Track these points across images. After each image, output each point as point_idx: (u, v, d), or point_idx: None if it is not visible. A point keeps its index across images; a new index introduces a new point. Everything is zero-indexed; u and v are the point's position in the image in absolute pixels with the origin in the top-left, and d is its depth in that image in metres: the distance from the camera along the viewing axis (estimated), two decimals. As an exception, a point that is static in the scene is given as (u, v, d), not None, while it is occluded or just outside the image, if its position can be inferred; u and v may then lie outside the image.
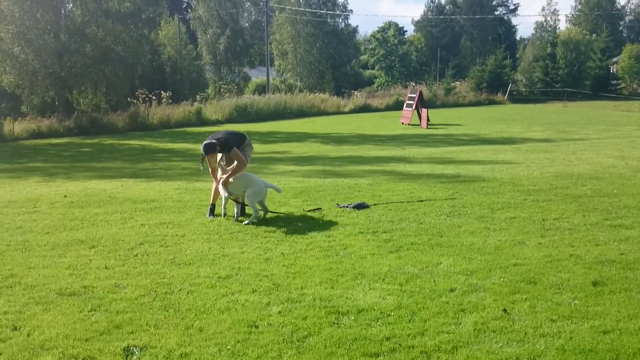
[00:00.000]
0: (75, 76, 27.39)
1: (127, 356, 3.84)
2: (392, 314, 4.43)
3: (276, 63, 53.05)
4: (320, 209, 8.09)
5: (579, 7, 67.95)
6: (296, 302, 4.71)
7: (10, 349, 3.93)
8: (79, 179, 11.96)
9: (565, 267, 5.45)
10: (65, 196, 9.43)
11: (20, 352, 3.89)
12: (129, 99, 28.43)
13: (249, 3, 51.88)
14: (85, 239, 6.71)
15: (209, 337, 4.07)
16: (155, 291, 4.98)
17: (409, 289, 4.93)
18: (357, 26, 72.29)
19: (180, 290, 5.01)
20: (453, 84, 44.83)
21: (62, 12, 28.12)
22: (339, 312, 4.47)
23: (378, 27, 61.47)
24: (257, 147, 18.10)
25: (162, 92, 29.53)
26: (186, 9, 57.50)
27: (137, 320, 4.36)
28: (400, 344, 3.93)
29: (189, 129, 26.41)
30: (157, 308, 4.61)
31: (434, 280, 5.14)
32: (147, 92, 28.21)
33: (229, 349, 3.90)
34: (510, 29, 69.31)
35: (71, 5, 29.20)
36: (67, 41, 26.99)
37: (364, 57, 62.06)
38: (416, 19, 70.09)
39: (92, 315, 4.49)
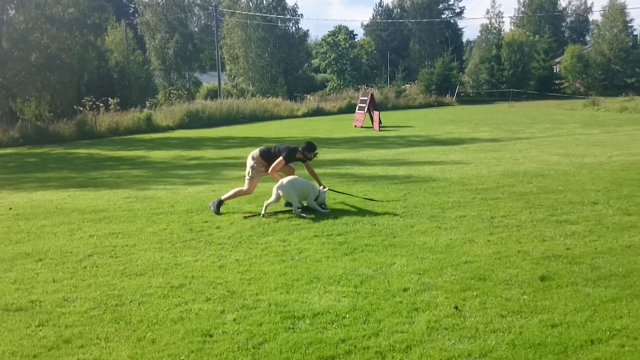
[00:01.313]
0: (19, 84, 26.49)
1: (77, 372, 3.74)
2: (347, 316, 4.45)
3: (227, 68, 52.67)
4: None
5: (522, 9, 70.15)
6: (251, 308, 4.68)
7: (-48, 371, 3.77)
8: (24, 190, 11.56)
9: (514, 263, 5.61)
10: (10, 208, 9.11)
11: (-37, 373, 3.74)
12: (75, 106, 27.65)
13: (197, 7, 51.33)
14: (32, 252, 6.49)
15: (162, 349, 4.00)
16: (106, 303, 4.86)
17: (364, 291, 4.98)
18: (307, 30, 72.65)
19: (131, 301, 4.90)
20: (403, 86, 45.52)
21: (4, 18, 27.15)
22: (294, 317, 4.47)
23: (329, 31, 61.85)
24: (210, 154, 17.93)
25: (109, 98, 28.82)
26: (133, 14, 56.47)
27: (87, 334, 4.25)
28: (355, 346, 3.96)
29: (138, 136, 25.88)
30: (108, 321, 4.50)
31: (388, 281, 5.20)
32: (94, 99, 27.49)
33: (182, 359, 3.84)
34: (457, 32, 71.01)
35: (13, 11, 28.23)
36: (10, 49, 26.07)
37: (315, 61, 62.34)
38: (365, 22, 70.98)
39: (40, 330, 4.35)
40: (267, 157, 8.45)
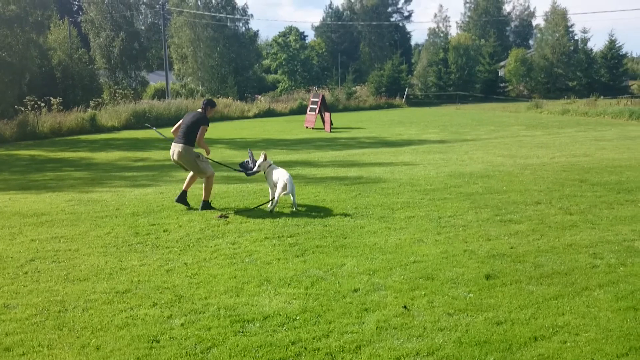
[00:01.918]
0: (-45, 82, 25.31)
1: (15, 383, 3.59)
2: (298, 318, 4.44)
3: (175, 67, 51.80)
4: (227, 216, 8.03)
5: (468, 13, 71.89)
6: (200, 313, 4.61)
7: None
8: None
9: (460, 262, 5.73)
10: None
11: None
12: (16, 106, 26.58)
13: (144, 5, 50.26)
14: (-33, 258, 6.20)
15: (107, 356, 3.89)
16: (48, 310, 4.69)
17: (315, 292, 4.98)
18: (258, 31, 72.26)
19: (74, 307, 4.75)
20: (354, 88, 45.91)
21: (-62, 13, 25.87)
22: (244, 320, 4.43)
23: (279, 32, 61.78)
24: (158, 155, 17.57)
25: (52, 98, 27.83)
26: (77, 12, 54.82)
27: (29, 341, 4.09)
28: (305, 348, 3.96)
29: (82, 137, 25.12)
30: (50, 327, 4.34)
31: (339, 282, 5.22)
32: (36, 99, 26.49)
33: (129, 367, 3.75)
34: (406, 35, 72.12)
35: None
36: (-56, 45, 24.89)
37: (266, 62, 62.13)
38: (316, 24, 71.24)
39: (-24, 340, 4.15)
40: (190, 140, 8.50)
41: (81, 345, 4.04)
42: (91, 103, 31.06)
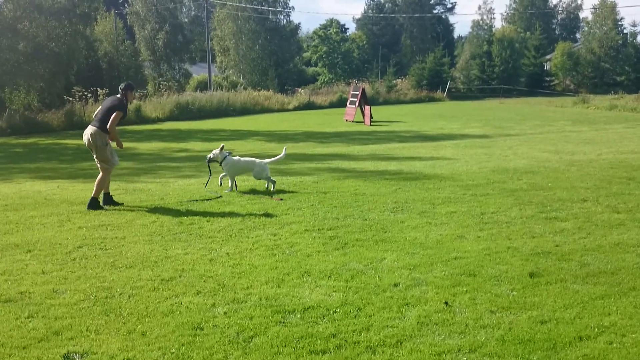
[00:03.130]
0: (7, 74, 26.17)
1: (66, 364, 3.72)
2: (338, 310, 4.46)
3: (218, 59, 52.40)
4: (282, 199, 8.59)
5: (514, 5, 70.38)
6: (242, 302, 4.68)
7: (-60, 362, 3.73)
8: (13, 180, 11.45)
9: (503, 259, 5.65)
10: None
11: (-49, 365, 3.70)
12: (64, 96, 27.39)
13: (188, -2, 50.99)
14: (21, 243, 6.44)
15: (152, 341, 3.99)
16: (95, 296, 4.84)
17: (354, 285, 4.99)
18: (299, 23, 72.40)
19: (121, 294, 4.88)
20: (394, 81, 45.60)
21: (-8, 6, 26.82)
22: (285, 311, 4.47)
23: (320, 25, 61.75)
24: (199, 146, 17.85)
25: (98, 89, 28.57)
26: (123, 4, 55.96)
27: (77, 326, 4.23)
28: (346, 340, 3.97)
29: (128, 127, 25.68)
30: (98, 313, 4.48)
31: (379, 276, 5.21)
32: (83, 90, 27.25)
33: (173, 353, 3.84)
34: (448, 28, 71.16)
35: (2, 0, 27.87)
36: (-3, 37, 25.76)
37: (306, 55, 62.21)
38: (357, 16, 70.87)
39: (30, 322, 4.32)
40: (104, 125, 8.18)
41: (127, 331, 4.15)
42: (136, 94, 31.72)
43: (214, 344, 3.95)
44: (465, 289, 4.87)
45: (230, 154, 9.49)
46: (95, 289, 4.98)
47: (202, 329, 4.18)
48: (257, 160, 9.53)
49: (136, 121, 27.59)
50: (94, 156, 8.46)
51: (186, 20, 50.33)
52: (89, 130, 8.27)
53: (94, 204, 8.15)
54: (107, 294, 4.88)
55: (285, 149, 9.98)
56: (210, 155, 9.38)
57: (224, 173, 9.42)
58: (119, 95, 8.45)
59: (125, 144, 18.51)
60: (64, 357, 3.78)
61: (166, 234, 6.81)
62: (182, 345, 3.93)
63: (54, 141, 20.08)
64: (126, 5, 52.26)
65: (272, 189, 9.28)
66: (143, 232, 6.86)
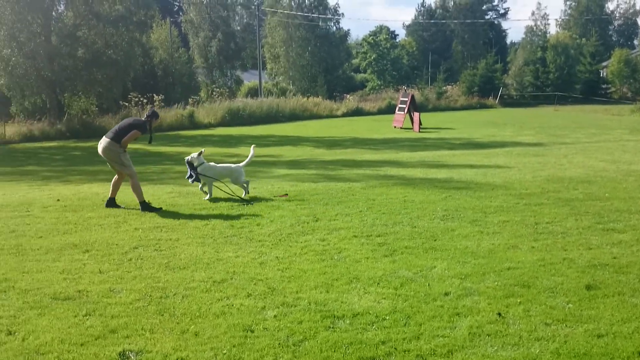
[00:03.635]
0: (67, 79, 27.27)
1: (123, 361, 3.83)
2: (387, 317, 4.44)
3: (268, 66, 53.06)
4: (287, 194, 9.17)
5: (569, 11, 68.53)
6: (291, 306, 4.71)
7: (5, 354, 3.91)
8: (71, 182, 11.90)
9: (559, 270, 5.49)
10: (58, 200, 9.39)
11: (15, 357, 3.87)
12: (121, 102, 28.32)
13: (240, 6, 51.89)
14: (79, 243, 6.68)
15: (205, 342, 4.07)
16: (150, 295, 4.97)
17: (404, 293, 4.95)
18: (348, 30, 72.50)
19: (175, 294, 5.00)
20: (445, 87, 45.03)
21: (53, 14, 27.98)
22: (334, 316, 4.48)
23: (370, 31, 61.67)
24: (249, 151, 18.08)
25: (154, 95, 29.41)
26: (178, 12, 57.43)
27: (133, 325, 4.35)
28: (395, 348, 3.95)
29: (181, 133, 26.35)
30: (152, 312, 4.60)
31: (429, 284, 5.16)
32: (139, 95, 28.12)
33: (225, 354, 3.90)
34: (501, 33, 69.93)
35: (62, 8, 29.08)
36: (59, 44, 26.83)
37: (355, 61, 62.23)
38: (407, 23, 70.50)
39: (87, 319, 4.47)
40: (118, 138, 8.47)
41: (181, 331, 4.25)
42: (189, 100, 32.49)
43: (265, 346, 3.99)
44: (519, 300, 4.76)
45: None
46: (150, 289, 5.12)
47: (252, 331, 4.23)
48: (233, 166, 9.65)
49: (189, 127, 28.25)
50: (111, 165, 8.78)
51: (238, 28, 51.23)
52: (103, 141, 8.57)
53: (145, 207, 8.44)
54: (162, 294, 5.01)
55: (254, 146, 10.04)
56: (189, 158, 9.39)
57: (201, 184, 9.40)
58: (143, 118, 8.90)
59: (179, 149, 18.99)
60: (120, 354, 3.89)
61: (218, 236, 6.94)
62: (234, 346, 3.99)
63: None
64: (181, 13, 53.61)
65: (245, 194, 9.37)
66: (196, 235, 7.01)
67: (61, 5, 28.87)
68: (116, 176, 8.80)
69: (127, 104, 27.81)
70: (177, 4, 61.15)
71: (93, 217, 8.05)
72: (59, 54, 26.65)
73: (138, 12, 29.50)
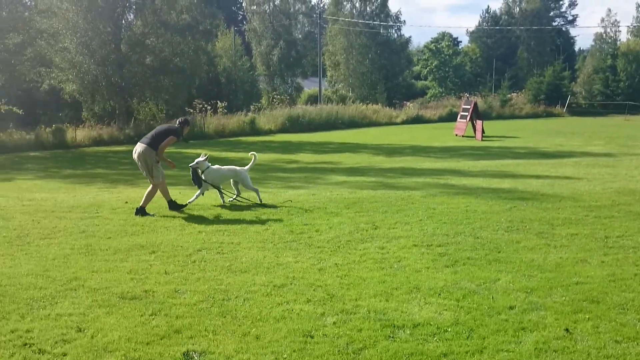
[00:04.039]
0: (136, 86, 28.33)
1: (186, 361, 3.92)
2: (449, 329, 4.35)
3: (328, 74, 53.37)
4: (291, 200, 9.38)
5: (642, 17, 65.42)
6: (351, 313, 4.70)
7: (75, 350, 4.07)
8: (139, 185, 12.33)
9: (630, 286, 5.24)
10: (126, 202, 9.74)
11: (85, 354, 4.02)
12: (186, 108, 29.16)
13: (302, 15, 52.48)
14: (146, 244, 6.90)
15: (266, 345, 4.11)
16: (213, 297, 5.07)
17: (467, 305, 4.85)
18: (410, 37, 71.76)
19: (236, 297, 5.08)
20: (509, 95, 43.94)
21: (123, 23, 29.16)
22: (394, 326, 4.43)
23: (432, 38, 61.06)
24: (308, 158, 18.23)
25: (218, 102, 30.14)
26: (242, 21, 58.69)
27: (196, 326, 4.45)
28: (458, 361, 3.86)
29: (242, 139, 26.85)
30: (215, 314, 4.69)
31: (493, 297, 5.03)
32: (203, 102, 28.87)
33: (285, 358, 3.93)
34: (569, 40, 67.57)
35: (132, 17, 30.26)
36: (128, 52, 27.93)
37: (416, 68, 61.71)
38: (471, 29, 69.26)
39: (153, 319, 4.60)
40: (155, 144, 8.74)
41: (242, 334, 4.31)
42: (251, 107, 33.10)
43: (324, 352, 3.99)
44: (587, 316, 4.57)
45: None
46: (213, 291, 5.22)
47: (312, 337, 4.24)
48: (238, 168, 9.74)
49: (250, 133, 28.75)
50: (144, 171, 9.01)
51: (300, 36, 51.82)
52: (139, 147, 8.85)
53: (142, 212, 8.64)
54: (224, 296, 5.10)
55: (254, 155, 10.17)
56: (194, 164, 9.46)
57: (202, 189, 9.47)
58: (176, 125, 9.24)
59: (240, 155, 19.34)
60: (184, 355, 3.99)
61: (278, 241, 7.01)
62: (294, 351, 4.02)
63: (176, 150, 21.35)
64: (245, 22, 54.76)
65: (237, 197, 9.62)
66: (256, 239, 7.11)
67: (131, 14, 30.07)
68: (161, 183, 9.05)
69: (192, 110, 28.60)
70: (241, 13, 62.54)
71: (159, 219, 8.31)
72: (128, 61, 27.73)
73: (204, 21, 30.35)
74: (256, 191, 9.67)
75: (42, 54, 25.98)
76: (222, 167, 9.83)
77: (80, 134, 25.16)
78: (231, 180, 9.74)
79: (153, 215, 8.66)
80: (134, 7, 29.14)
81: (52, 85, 26.84)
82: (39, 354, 4.01)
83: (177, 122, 9.37)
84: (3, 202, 9.81)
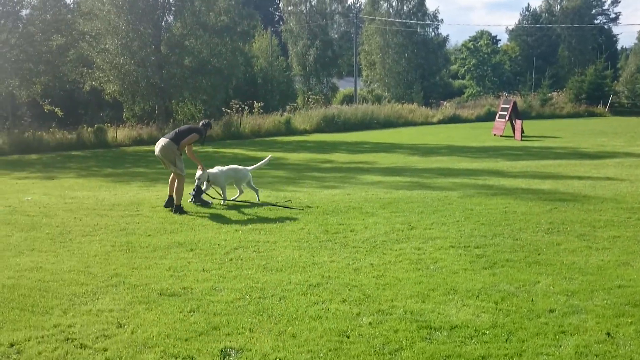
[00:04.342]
0: (174, 87, 28.78)
1: (224, 357, 3.97)
2: (488, 332, 4.30)
3: (364, 73, 53.23)
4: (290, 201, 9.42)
5: (690, 13, 63.24)
6: (386, 314, 4.68)
7: (116, 345, 4.16)
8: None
9: (677, 292, 5.07)
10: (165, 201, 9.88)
11: (125, 349, 4.11)
12: (223, 108, 29.49)
13: (338, 15, 52.48)
14: (184, 242, 7.01)
15: (302, 344, 4.13)
16: (250, 295, 5.12)
17: (505, 308, 4.77)
18: (447, 35, 71.02)
19: (273, 295, 5.12)
20: (549, 94, 43.02)
21: (163, 25, 29.65)
22: (431, 327, 4.40)
23: (470, 36, 60.28)
24: (344, 157, 18.21)
25: (254, 102, 30.39)
26: (278, 22, 59.05)
27: (233, 323, 4.50)
28: (496, 364, 3.81)
29: (278, 138, 26.99)
30: (252, 312, 4.74)
31: (532, 300, 4.94)
32: (240, 103, 29.15)
33: (321, 357, 3.94)
34: (611, 38, 65.81)
35: (171, 18, 30.74)
36: (167, 53, 28.39)
37: (454, 67, 60.99)
38: (510, 27, 68.11)
39: (191, 316, 4.68)
40: (177, 140, 9.00)
41: (279, 332, 4.34)
42: (287, 107, 33.26)
43: (360, 352, 3.99)
44: (630, 320, 4.45)
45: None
46: (250, 289, 5.28)
47: (348, 337, 4.24)
48: (240, 167, 9.90)
49: (285, 133, 28.89)
50: (167, 166, 9.19)
51: (336, 36, 51.82)
52: (162, 142, 9.10)
53: (179, 210, 8.78)
54: (260, 294, 5.15)
55: (270, 157, 10.56)
56: (197, 179, 9.25)
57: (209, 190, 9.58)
58: (200, 125, 9.55)
59: (275, 154, 19.47)
60: (221, 351, 4.04)
61: (313, 241, 7.03)
62: (330, 350, 4.02)
63: (213, 150, 21.63)
64: (281, 23, 55.08)
65: (239, 195, 9.72)
66: (292, 238, 7.15)
67: (170, 16, 30.53)
68: (172, 175, 9.24)
69: (228, 110, 28.90)
70: (277, 14, 62.96)
71: (197, 218, 8.43)
72: (168, 62, 28.19)
73: (242, 22, 30.60)
74: (256, 191, 9.86)
75: (84, 55, 26.63)
76: (223, 167, 9.82)
77: (120, 134, 25.70)
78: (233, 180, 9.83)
79: (188, 213, 8.82)
80: (173, 9, 29.60)
81: (94, 85, 27.49)
82: (81, 348, 4.12)
83: (201, 123, 9.65)
84: (46, 200, 10.11)
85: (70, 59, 25.91)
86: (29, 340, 4.22)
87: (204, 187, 9.43)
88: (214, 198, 9.65)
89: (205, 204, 9.34)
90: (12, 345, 4.15)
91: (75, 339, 4.25)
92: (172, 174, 9.19)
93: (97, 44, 26.82)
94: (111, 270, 5.90)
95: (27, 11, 25.10)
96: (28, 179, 13.75)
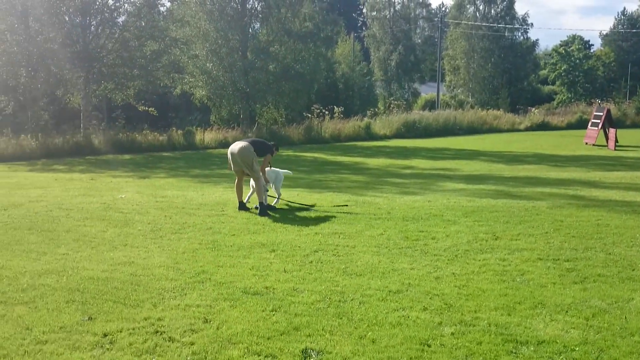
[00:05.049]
0: (259, 91, 29.53)
1: (305, 358, 4.03)
2: (577, 349, 4.11)
3: (447, 78, 52.34)
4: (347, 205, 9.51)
5: None
6: (469, 325, 4.57)
7: (202, 340, 4.32)
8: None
9: None
10: (248, 202, 10.15)
11: (211, 344, 4.25)
12: (304, 113, 29.92)
13: (422, 19, 51.96)
14: (266, 242, 7.18)
15: (382, 350, 4.12)
16: (330, 298, 5.16)
17: (596, 324, 4.54)
18: (537, 40, 68.49)
19: (352, 299, 5.13)
20: (646, 102, 40.46)
21: (250, 31, 30.51)
22: (517, 341, 4.26)
23: (561, 41, 57.82)
24: (424, 164, 17.96)
25: (335, 107, 30.61)
26: (361, 27, 59.20)
27: (314, 325, 4.55)
28: (586, 383, 3.63)
29: (358, 143, 27.02)
30: (332, 315, 4.77)
31: (625, 317, 4.67)
32: (321, 107, 29.46)
33: (401, 364, 3.91)
34: None
35: (258, 25, 31.57)
36: (253, 59, 29.18)
37: (543, 72, 58.70)
38: (604, 32, 64.73)
39: (273, 315, 4.77)
40: (256, 147, 9.27)
41: (359, 336, 4.35)
42: (367, 112, 33.26)
43: (442, 362, 3.93)
44: None
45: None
46: (330, 292, 5.32)
47: (429, 346, 4.18)
48: (280, 170, 10.18)
49: (365, 138, 28.88)
50: (239, 167, 9.35)
51: (419, 41, 51.37)
52: (241, 144, 9.34)
53: (264, 208, 9.07)
54: (340, 298, 5.18)
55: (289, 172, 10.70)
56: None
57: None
58: (270, 144, 9.82)
59: (355, 159, 19.52)
60: (302, 352, 4.09)
61: (392, 247, 6.99)
62: (411, 358, 3.99)
63: (293, 153, 21.99)
64: (364, 28, 55.20)
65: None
66: (371, 243, 7.13)
67: (257, 23, 31.36)
68: (237, 180, 9.53)
69: (310, 115, 29.28)
70: (361, 19, 63.13)
71: (279, 220, 8.60)
72: (253, 68, 28.96)
73: (325, 28, 30.96)
74: (279, 194, 9.95)
75: (175, 61, 27.85)
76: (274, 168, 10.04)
77: (207, 137, 26.64)
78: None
79: (250, 208, 9.19)
80: (260, 16, 30.39)
81: (184, 90, 28.70)
82: (169, 341, 4.30)
83: (272, 143, 9.97)
84: (138, 198, 10.64)
85: (162, 64, 27.17)
86: (120, 332, 4.45)
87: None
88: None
89: (244, 208, 9.45)
90: (105, 335, 4.40)
91: (164, 332, 4.44)
92: (236, 180, 9.51)
93: (188, 49, 27.98)
94: (198, 267, 6.13)
95: (123, 18, 26.59)
96: (121, 178, 14.53)
